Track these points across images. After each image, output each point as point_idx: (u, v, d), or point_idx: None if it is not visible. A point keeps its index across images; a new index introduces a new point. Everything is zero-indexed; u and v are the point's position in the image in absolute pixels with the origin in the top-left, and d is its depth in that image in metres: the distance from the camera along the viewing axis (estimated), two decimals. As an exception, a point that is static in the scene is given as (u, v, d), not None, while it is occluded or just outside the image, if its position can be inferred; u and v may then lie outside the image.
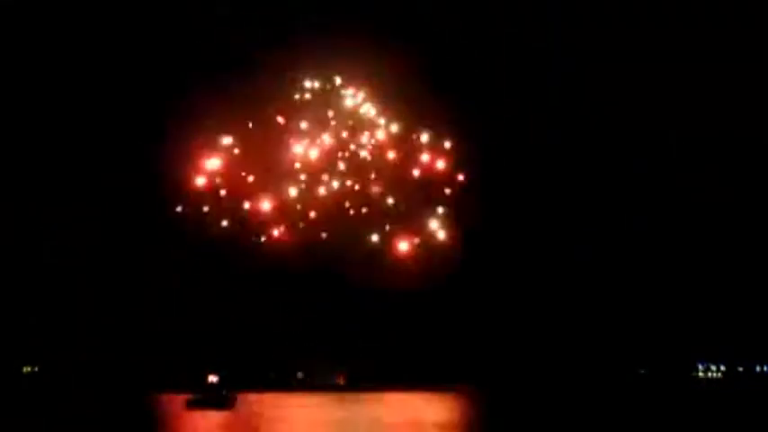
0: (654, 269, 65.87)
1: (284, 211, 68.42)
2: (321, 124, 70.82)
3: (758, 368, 67.27)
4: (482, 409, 49.76)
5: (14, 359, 67.01)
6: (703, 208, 64.51)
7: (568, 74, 65.80)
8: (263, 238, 67.85)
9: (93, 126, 67.26)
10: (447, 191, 69.29)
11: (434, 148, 70.25)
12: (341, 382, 69.74)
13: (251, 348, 64.55)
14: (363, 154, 70.56)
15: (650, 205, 65.60)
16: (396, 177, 69.76)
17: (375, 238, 68.24)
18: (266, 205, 68.19)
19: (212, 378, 48.46)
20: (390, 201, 69.51)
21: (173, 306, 63.70)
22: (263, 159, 69.15)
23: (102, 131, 67.27)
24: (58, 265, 65.67)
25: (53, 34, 66.66)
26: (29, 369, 68.41)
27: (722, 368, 67.49)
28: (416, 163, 70.27)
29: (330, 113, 71.24)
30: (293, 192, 69.13)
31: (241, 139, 69.31)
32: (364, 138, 70.85)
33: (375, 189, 69.81)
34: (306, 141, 70.26)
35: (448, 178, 69.75)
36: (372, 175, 69.98)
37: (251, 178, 69.04)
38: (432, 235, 68.10)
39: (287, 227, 68.26)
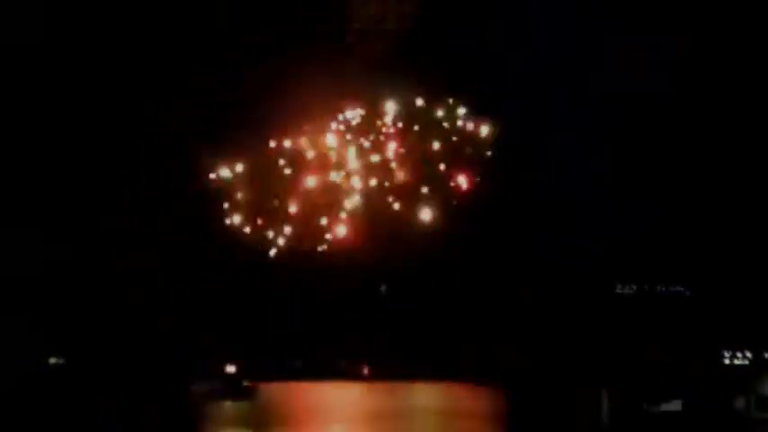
0: (682, 253, 65.38)
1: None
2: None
3: (784, 355, 66.90)
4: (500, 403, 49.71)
5: (41, 351, 67.91)
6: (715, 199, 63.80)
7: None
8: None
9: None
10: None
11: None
12: (365, 372, 69.74)
13: (270, 338, 64.74)
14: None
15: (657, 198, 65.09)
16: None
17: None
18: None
19: (230, 368, 48.83)
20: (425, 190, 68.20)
21: (190, 297, 64.08)
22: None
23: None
24: (84, 256, 66.34)
25: None
26: (55, 361, 69.46)
27: (748, 355, 67.20)
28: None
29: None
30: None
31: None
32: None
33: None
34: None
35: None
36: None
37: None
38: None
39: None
